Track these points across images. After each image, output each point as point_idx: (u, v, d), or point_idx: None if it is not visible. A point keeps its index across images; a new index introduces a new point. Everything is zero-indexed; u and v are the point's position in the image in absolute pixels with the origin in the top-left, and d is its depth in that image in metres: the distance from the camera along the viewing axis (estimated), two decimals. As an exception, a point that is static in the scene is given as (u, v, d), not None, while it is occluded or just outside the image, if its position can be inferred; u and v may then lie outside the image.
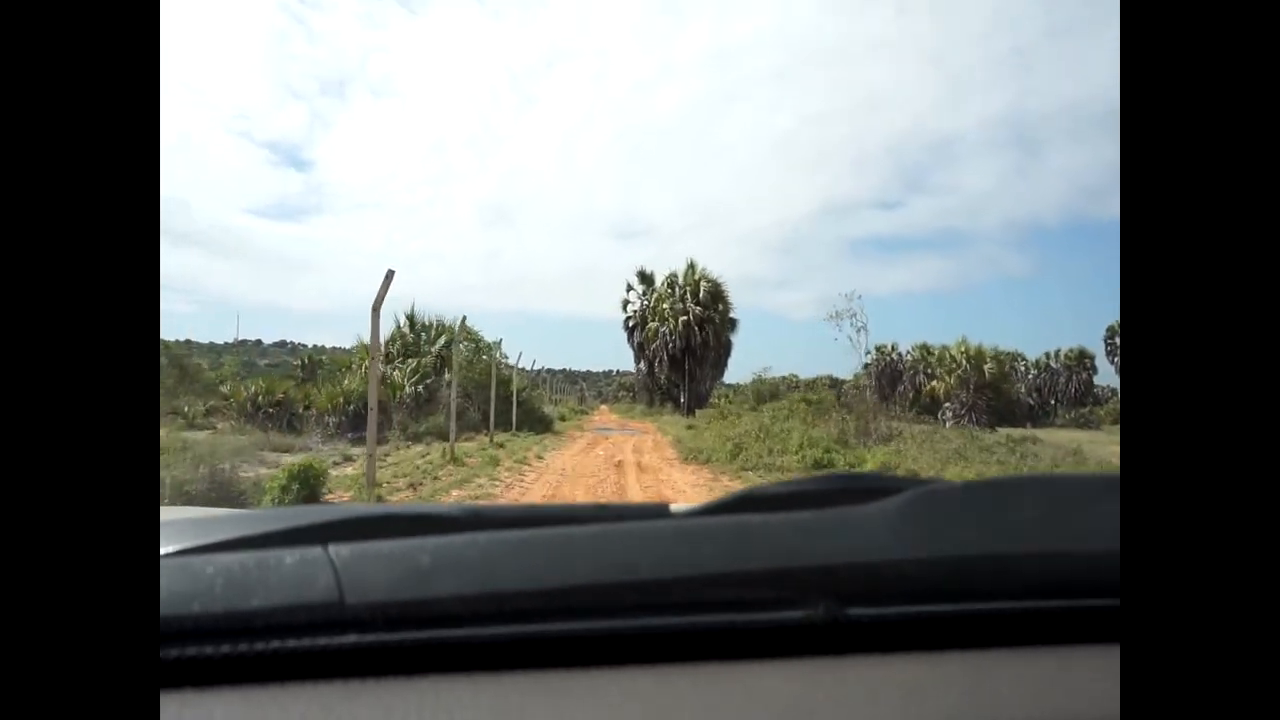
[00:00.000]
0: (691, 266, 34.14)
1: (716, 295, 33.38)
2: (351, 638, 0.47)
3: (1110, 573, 0.49)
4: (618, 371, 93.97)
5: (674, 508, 0.64)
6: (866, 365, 55.26)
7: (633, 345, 41.37)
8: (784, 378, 39.56)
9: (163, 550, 0.52)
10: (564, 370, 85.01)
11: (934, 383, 34.46)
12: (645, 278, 40.84)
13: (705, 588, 0.51)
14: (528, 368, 26.19)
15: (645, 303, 40.79)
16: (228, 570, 0.48)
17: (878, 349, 52.51)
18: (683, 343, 32.46)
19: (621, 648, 0.49)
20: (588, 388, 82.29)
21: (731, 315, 34.34)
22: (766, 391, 27.35)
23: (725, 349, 34.03)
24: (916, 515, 0.57)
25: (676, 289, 34.23)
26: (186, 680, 0.45)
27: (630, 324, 41.89)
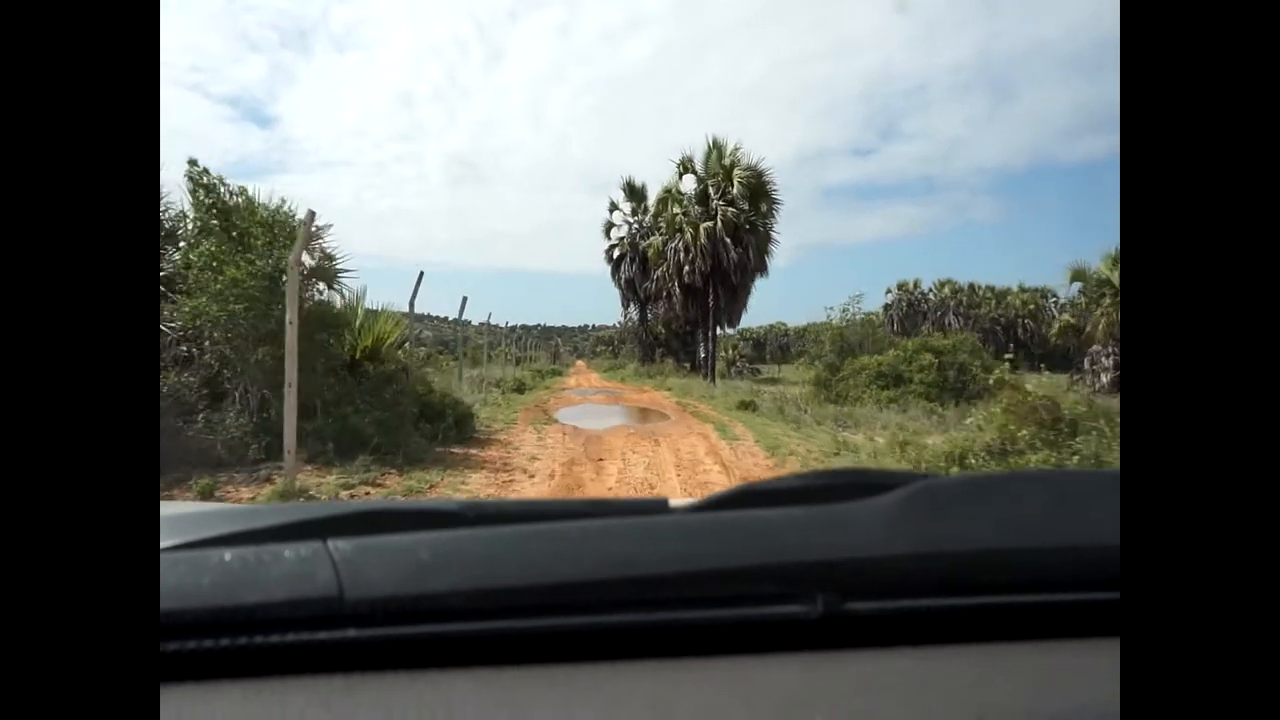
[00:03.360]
0: (716, 148, 21.48)
1: (758, 190, 20.89)
2: (351, 632, 0.47)
3: (1110, 567, 0.49)
4: (594, 326, 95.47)
5: (673, 503, 0.63)
6: (887, 306, 45.65)
7: (619, 281, 30.40)
8: (770, 326, 29.80)
9: (165, 544, 0.51)
10: (538, 326, 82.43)
11: (1064, 316, 23.64)
12: (634, 191, 29.64)
13: (704, 583, 0.51)
14: (481, 320, 15.63)
15: (635, 224, 29.67)
16: (229, 564, 0.49)
17: (899, 285, 44.52)
18: (707, 264, 20.98)
19: (621, 642, 0.49)
20: (563, 343, 76.57)
21: (774, 230, 21.99)
22: (856, 340, 16.09)
23: (756, 275, 21.79)
24: (915, 510, 0.57)
25: (694, 183, 22.62)
26: (188, 673, 0.45)
27: (615, 254, 30.86)
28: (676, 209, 22.05)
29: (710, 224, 20.74)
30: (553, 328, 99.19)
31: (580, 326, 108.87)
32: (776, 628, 0.51)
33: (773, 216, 21.36)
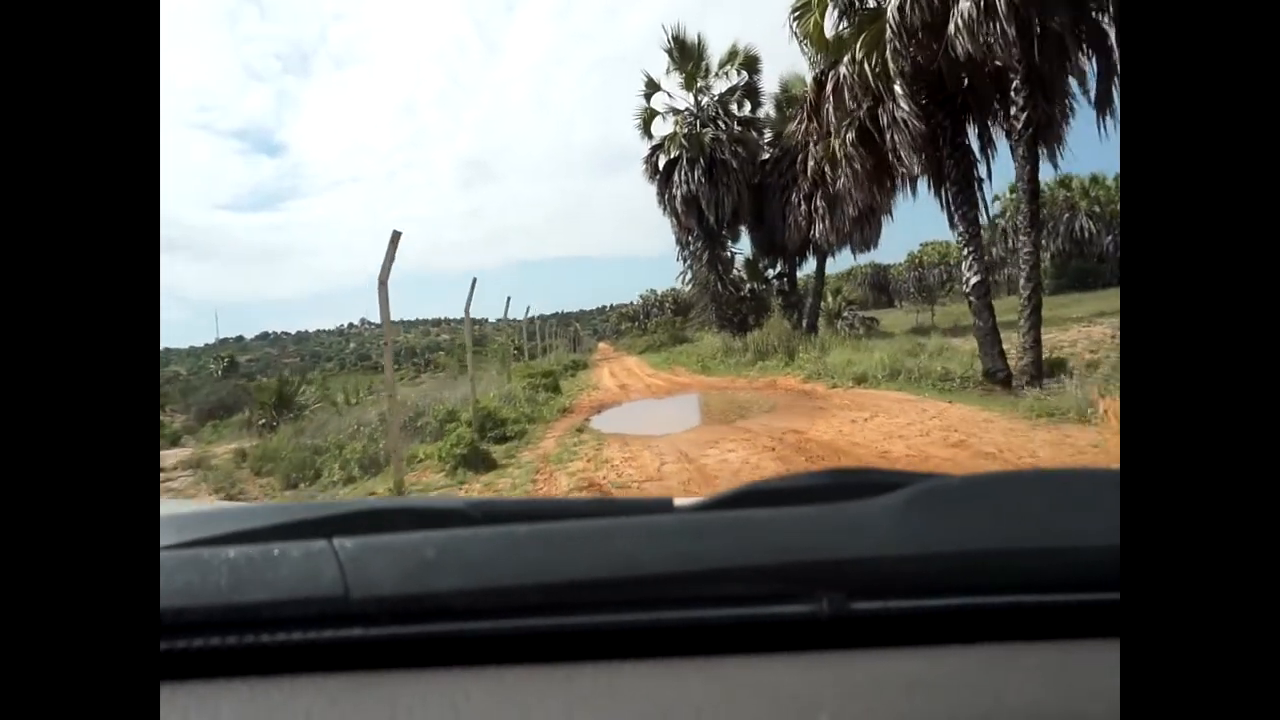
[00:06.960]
0: None
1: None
2: (357, 631, 0.47)
3: (1111, 567, 0.50)
4: (611, 306, 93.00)
5: (678, 502, 0.63)
6: (998, 216, 37.33)
7: (668, 202, 20.86)
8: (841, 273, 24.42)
9: (169, 543, 0.52)
10: (555, 314, 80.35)
11: None
12: (686, 52, 18.37)
13: (709, 582, 0.51)
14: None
15: (691, 108, 19.55)
16: (234, 563, 0.49)
17: (1010, 189, 31.69)
18: (999, 34, 6.59)
19: (626, 642, 0.50)
20: (581, 327, 72.38)
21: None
22: None
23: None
24: (919, 510, 0.57)
25: None
26: (192, 672, 0.45)
27: (661, 161, 20.95)
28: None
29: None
30: (570, 313, 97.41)
31: (598, 308, 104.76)
32: (781, 628, 0.51)
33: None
